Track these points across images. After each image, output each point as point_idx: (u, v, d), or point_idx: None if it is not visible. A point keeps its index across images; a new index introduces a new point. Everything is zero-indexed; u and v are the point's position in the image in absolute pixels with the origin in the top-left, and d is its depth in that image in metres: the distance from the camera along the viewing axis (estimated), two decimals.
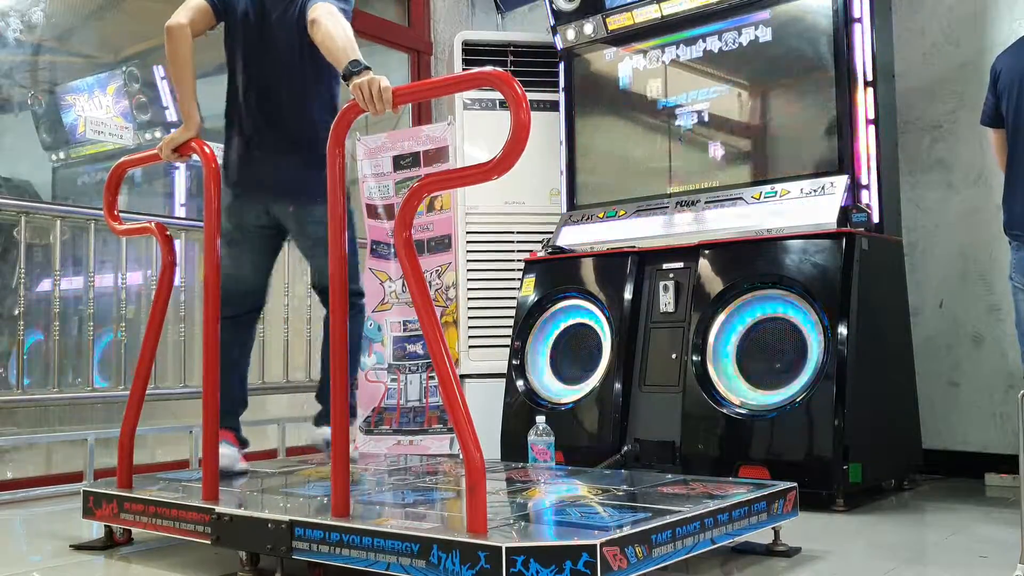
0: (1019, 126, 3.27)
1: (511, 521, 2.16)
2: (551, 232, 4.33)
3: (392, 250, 4.50)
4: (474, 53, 4.72)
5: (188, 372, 4.32)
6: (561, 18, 4.43)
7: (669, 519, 2.08)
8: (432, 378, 4.48)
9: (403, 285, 4.48)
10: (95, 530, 2.90)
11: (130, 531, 2.74)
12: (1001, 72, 3.35)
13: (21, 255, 3.87)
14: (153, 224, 3.01)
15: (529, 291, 4.14)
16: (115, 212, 2.97)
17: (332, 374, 2.23)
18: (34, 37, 4.99)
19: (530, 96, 2.05)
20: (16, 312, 3.81)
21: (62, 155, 5.33)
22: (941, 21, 4.11)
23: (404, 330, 4.59)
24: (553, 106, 4.52)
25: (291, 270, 4.68)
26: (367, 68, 2.41)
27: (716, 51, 3.98)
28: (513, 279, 4.45)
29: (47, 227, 3.97)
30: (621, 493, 2.55)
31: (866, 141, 3.53)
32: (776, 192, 3.67)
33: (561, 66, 4.50)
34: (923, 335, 3.98)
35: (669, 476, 2.84)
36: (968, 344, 3.98)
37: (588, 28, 4.36)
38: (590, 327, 3.98)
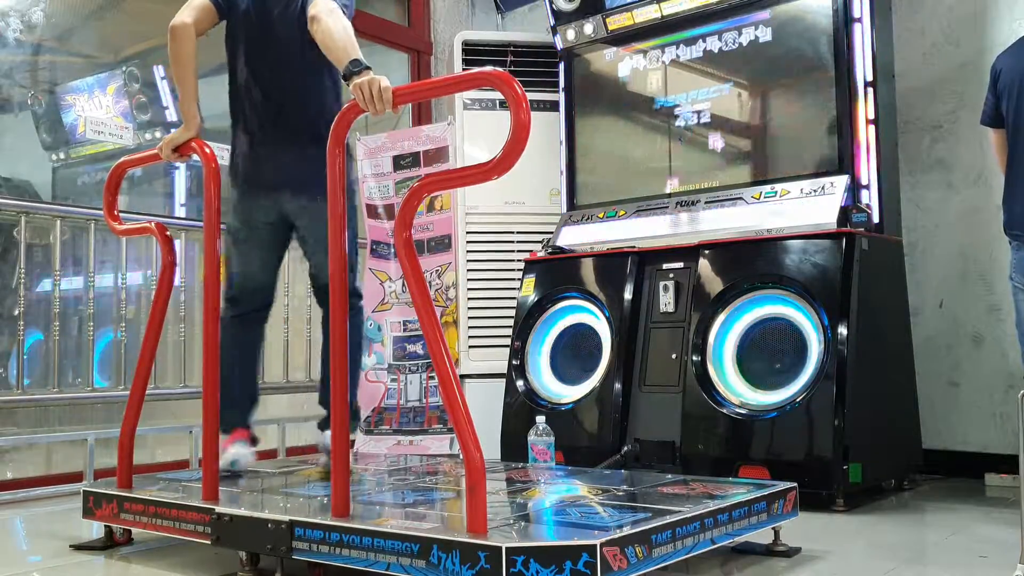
0: (1019, 126, 3.27)
1: (511, 521, 2.16)
2: (551, 232, 4.33)
3: (392, 250, 4.50)
4: (474, 53, 4.72)
5: (188, 372, 4.32)
6: (561, 18, 4.43)
7: (669, 519, 2.08)
8: (432, 378, 4.48)
9: (403, 285, 4.48)
10: (95, 530, 2.90)
11: (130, 531, 2.74)
12: (1001, 72, 3.35)
13: (21, 255, 3.87)
14: (153, 224, 3.02)
15: (529, 291, 4.14)
16: (115, 212, 2.98)
17: (332, 374, 2.23)
18: (34, 37, 4.99)
19: (530, 96, 2.05)
20: (16, 312, 3.81)
21: (62, 155, 5.33)
22: (941, 21, 4.11)
23: (404, 330, 4.60)
24: (553, 106, 4.52)
25: (291, 270, 4.68)
26: (367, 68, 2.40)
27: (716, 51, 3.98)
28: (513, 279, 4.45)
29: (47, 227, 3.98)
30: (621, 493, 2.55)
31: (866, 141, 3.52)
32: (776, 192, 3.67)
33: (561, 66, 4.50)
34: (923, 335, 3.98)
35: (669, 476, 2.84)
36: (968, 344, 3.98)
37: (588, 28, 4.36)
38: (590, 327, 3.98)
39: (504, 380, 4.10)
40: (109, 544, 2.72)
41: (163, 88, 5.19)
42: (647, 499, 2.40)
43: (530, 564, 1.81)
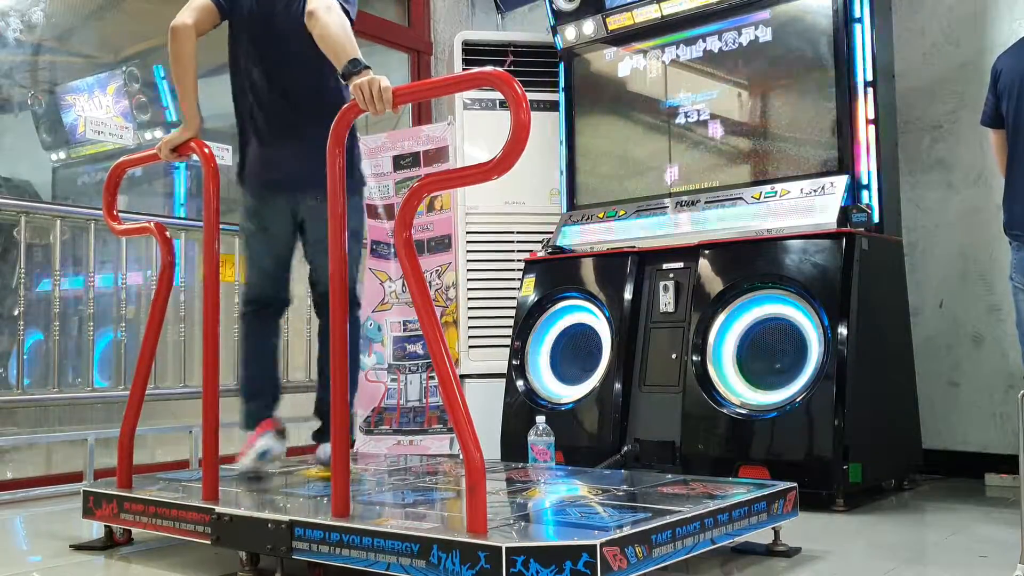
0: (1019, 126, 3.27)
1: (511, 521, 2.16)
2: (551, 232, 4.33)
3: (392, 250, 4.50)
4: (474, 53, 4.72)
5: (188, 372, 4.32)
6: (561, 18, 4.43)
7: (669, 519, 2.08)
8: (432, 378, 4.48)
9: (403, 285, 4.48)
10: (95, 530, 2.90)
11: (130, 531, 2.74)
12: (1001, 72, 3.35)
13: (21, 255, 3.87)
14: (152, 224, 3.02)
15: (529, 291, 4.14)
16: (114, 212, 2.98)
17: (332, 374, 2.23)
18: (34, 37, 4.99)
19: (530, 96, 2.05)
20: (16, 312, 3.81)
21: (62, 155, 5.33)
22: (941, 21, 4.11)
23: (404, 330, 4.60)
24: (553, 106, 4.52)
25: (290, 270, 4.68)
26: (367, 67, 2.40)
27: (716, 51, 3.98)
28: (513, 279, 4.45)
29: (47, 227, 3.98)
30: (621, 493, 2.55)
31: (866, 141, 3.52)
32: (776, 192, 3.67)
33: (561, 66, 4.50)
34: (923, 335, 3.98)
35: (669, 476, 2.84)
36: (968, 344, 3.98)
37: (588, 28, 4.36)
38: (590, 327, 3.98)
39: (504, 380, 4.10)
40: (109, 544, 2.72)
41: (163, 88, 5.19)
42: (647, 499, 2.40)
43: (530, 564, 1.81)
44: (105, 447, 3.79)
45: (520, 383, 4.03)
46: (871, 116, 3.54)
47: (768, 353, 3.46)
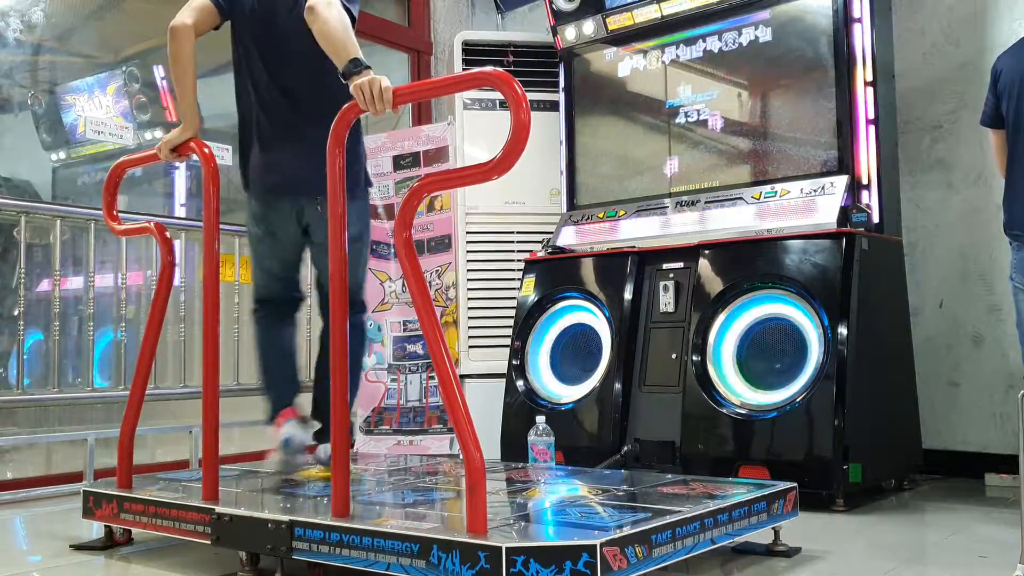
0: (1019, 126, 3.27)
1: (511, 521, 2.16)
2: (551, 232, 4.33)
3: (392, 250, 4.50)
4: (474, 53, 4.72)
5: (188, 372, 4.32)
6: (561, 18, 4.43)
7: (669, 519, 2.08)
8: (432, 378, 4.48)
9: (403, 285, 4.48)
10: (95, 530, 2.90)
11: (130, 531, 2.74)
12: (1001, 72, 3.35)
13: (21, 255, 3.87)
14: (152, 224, 3.01)
15: (529, 291, 4.14)
16: (114, 212, 2.97)
17: (332, 374, 2.23)
18: (34, 37, 4.99)
19: (530, 96, 2.05)
20: (16, 312, 3.81)
21: (62, 155, 5.33)
22: (941, 21, 4.11)
23: (404, 330, 4.60)
24: (553, 106, 4.52)
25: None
26: (367, 67, 2.39)
27: (716, 51, 3.98)
28: (513, 279, 4.45)
29: (47, 227, 3.98)
30: (621, 493, 2.55)
31: (866, 141, 3.53)
32: (776, 192, 3.67)
33: (561, 66, 4.50)
34: (923, 335, 3.98)
35: (669, 476, 2.84)
36: (968, 344, 3.98)
37: (588, 28, 4.36)
38: (590, 327, 3.98)
39: (504, 380, 4.10)
40: (109, 544, 2.72)
41: (163, 88, 5.20)
42: (647, 499, 2.40)
43: (530, 564, 1.81)
44: (105, 447, 3.79)
45: (520, 383, 4.03)
46: (871, 116, 3.54)
47: (768, 353, 3.46)
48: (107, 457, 3.61)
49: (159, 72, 5.20)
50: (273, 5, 2.87)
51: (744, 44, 3.89)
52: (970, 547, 2.66)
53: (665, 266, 3.80)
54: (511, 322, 4.21)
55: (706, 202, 3.87)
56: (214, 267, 2.66)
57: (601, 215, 4.20)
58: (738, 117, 3.94)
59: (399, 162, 4.70)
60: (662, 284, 3.77)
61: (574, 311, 4.05)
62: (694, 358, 3.53)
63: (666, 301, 3.74)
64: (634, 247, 3.94)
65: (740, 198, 3.76)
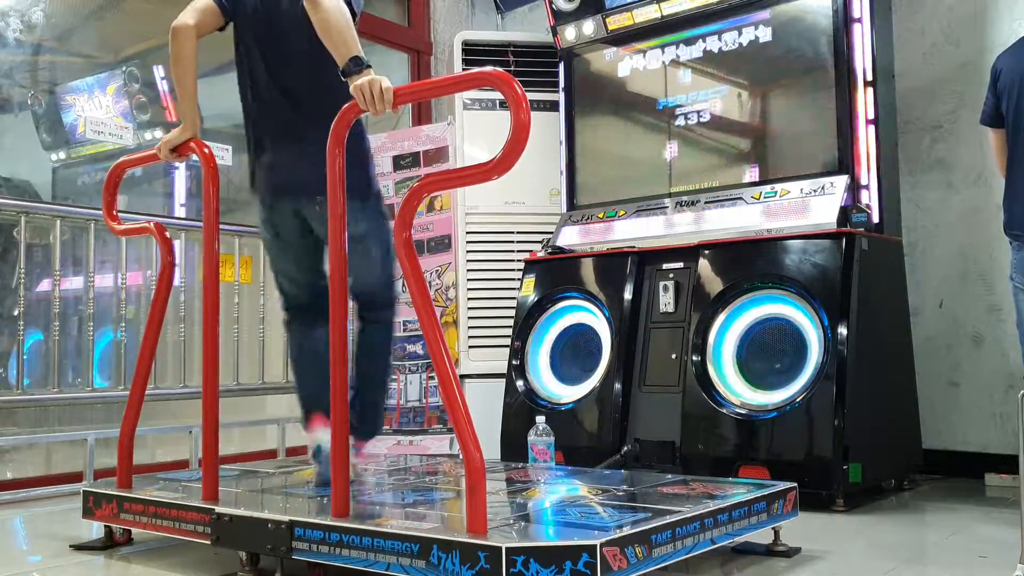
0: (1019, 126, 3.27)
1: (511, 521, 2.16)
2: (551, 232, 4.33)
3: None
4: (474, 53, 4.72)
5: (188, 372, 4.32)
6: (561, 18, 4.43)
7: (669, 519, 2.08)
8: (432, 378, 4.48)
9: (403, 285, 4.48)
10: (95, 530, 2.89)
11: (130, 531, 2.74)
12: (1001, 72, 3.35)
13: (21, 255, 3.87)
14: (152, 224, 3.01)
15: (529, 291, 4.14)
16: (114, 212, 2.97)
17: (332, 374, 2.23)
18: (34, 37, 4.99)
19: (530, 96, 2.05)
20: (16, 312, 3.81)
21: (62, 155, 5.33)
22: (941, 21, 4.11)
23: (404, 330, 4.60)
24: (553, 106, 4.52)
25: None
26: (368, 66, 2.38)
27: (716, 51, 3.98)
28: (513, 279, 4.45)
29: (47, 227, 3.98)
30: (621, 493, 2.55)
31: (866, 141, 3.53)
32: (776, 192, 3.67)
33: (561, 66, 4.50)
34: (923, 335, 3.98)
35: (669, 476, 2.84)
36: (968, 344, 3.98)
37: (588, 28, 4.36)
38: (590, 327, 3.98)
39: (504, 380, 4.10)
40: (109, 544, 2.72)
41: (163, 88, 5.20)
42: (647, 499, 2.40)
43: (530, 564, 1.81)
44: (105, 447, 3.79)
45: (520, 383, 4.03)
46: (871, 116, 3.54)
47: (768, 353, 3.46)
48: (107, 457, 3.61)
49: (159, 72, 5.20)
50: (275, 5, 2.85)
51: (744, 44, 3.89)
52: (970, 547, 2.66)
53: (665, 266, 3.80)
54: (511, 322, 4.21)
55: (706, 202, 3.87)
56: (214, 267, 2.66)
57: (601, 215, 4.20)
58: (738, 117, 3.94)
59: (399, 162, 4.70)
60: (662, 284, 3.77)
61: (574, 311, 4.05)
62: (694, 358, 3.53)
63: (666, 301, 3.74)
64: (634, 247, 3.94)
65: (740, 198, 3.76)
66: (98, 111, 5.11)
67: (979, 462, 3.84)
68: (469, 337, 4.54)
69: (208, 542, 2.35)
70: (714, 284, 3.59)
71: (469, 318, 4.55)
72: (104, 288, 4.30)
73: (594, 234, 4.18)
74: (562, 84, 4.49)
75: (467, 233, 4.58)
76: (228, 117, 5.34)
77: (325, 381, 2.93)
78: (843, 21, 3.57)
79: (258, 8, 2.85)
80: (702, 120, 4.02)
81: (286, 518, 2.17)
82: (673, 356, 3.63)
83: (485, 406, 3.91)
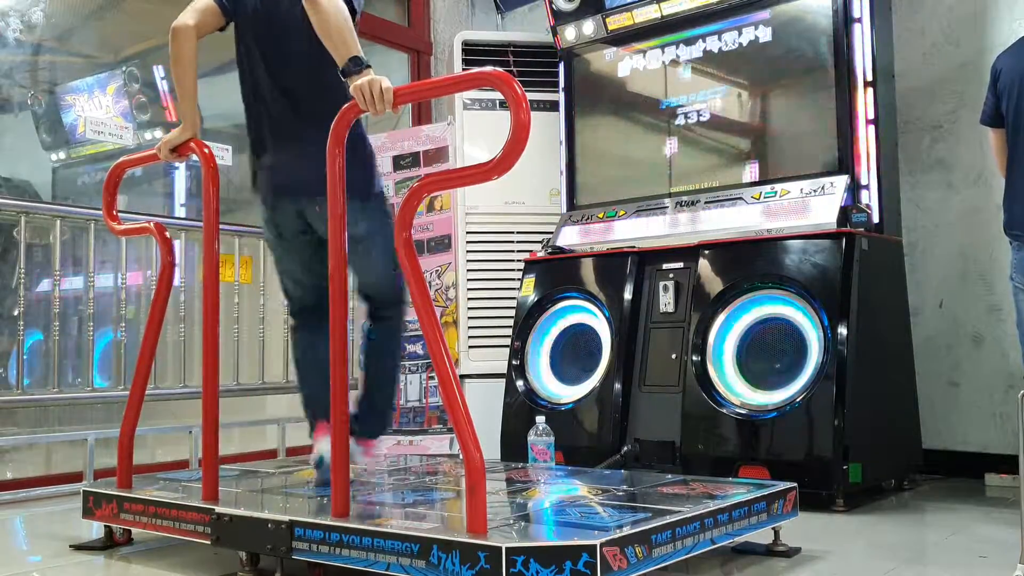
0: (1019, 126, 3.27)
1: (511, 521, 2.16)
2: (551, 232, 4.33)
3: None
4: (474, 53, 4.72)
5: (188, 372, 4.32)
6: (561, 18, 4.43)
7: (669, 519, 2.08)
8: (432, 378, 4.48)
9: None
10: (95, 530, 2.89)
11: (130, 531, 2.74)
12: (1001, 72, 3.35)
13: (21, 255, 3.86)
14: (152, 224, 3.01)
15: (529, 291, 4.14)
16: (114, 212, 2.97)
17: (332, 373, 2.23)
18: (34, 37, 4.99)
19: (530, 96, 2.05)
20: (16, 312, 3.81)
21: (62, 155, 5.34)
22: (941, 21, 4.11)
23: (404, 330, 4.59)
24: (553, 106, 4.52)
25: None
26: (368, 66, 2.38)
27: (716, 51, 3.98)
28: (513, 279, 4.45)
29: (47, 227, 3.97)
30: (621, 493, 2.55)
31: (866, 141, 3.53)
32: (776, 192, 3.67)
33: (561, 66, 4.50)
34: (923, 335, 3.98)
35: (669, 476, 2.84)
36: (968, 344, 3.98)
37: (588, 28, 4.36)
38: (590, 327, 3.98)
39: (504, 380, 4.10)
40: (109, 544, 2.72)
41: (163, 88, 5.20)
42: (647, 499, 2.40)
43: (530, 564, 1.81)
44: (105, 447, 3.79)
45: (520, 383, 4.03)
46: (871, 116, 3.54)
47: (768, 353, 3.46)
48: (107, 457, 3.61)
49: (159, 72, 5.20)
50: (275, 5, 2.85)
51: (744, 44, 3.89)
52: (970, 547, 2.66)
53: (665, 266, 3.80)
54: (511, 322, 4.21)
55: (706, 202, 3.87)
56: (214, 267, 2.66)
57: (601, 215, 4.20)
58: (738, 117, 3.94)
59: (399, 162, 4.70)
60: (662, 284, 3.77)
61: (574, 311, 4.05)
62: (694, 358, 3.53)
63: (666, 301, 3.74)
64: (634, 247, 3.94)
65: (740, 198, 3.76)
66: (98, 111, 5.11)
67: (979, 462, 3.84)
68: (469, 337, 4.54)
69: (208, 542, 2.35)
70: (714, 284, 3.59)
71: (469, 318, 4.55)
72: (104, 288, 4.30)
73: (594, 234, 4.17)
74: (562, 84, 4.49)
75: (467, 233, 4.58)
76: (228, 117, 5.35)
77: (327, 388, 2.93)
78: (843, 21, 3.57)
79: (258, 8, 2.85)
80: (702, 120, 4.02)
81: (286, 518, 2.17)
82: (673, 356, 3.63)
83: (485, 406, 3.91)
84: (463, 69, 4.64)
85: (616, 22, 4.26)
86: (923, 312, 4.06)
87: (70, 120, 5.19)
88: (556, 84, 4.53)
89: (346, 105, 2.31)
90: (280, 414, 4.74)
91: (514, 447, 3.86)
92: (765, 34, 3.83)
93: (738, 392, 3.44)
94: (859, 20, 3.57)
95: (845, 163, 3.54)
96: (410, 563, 1.95)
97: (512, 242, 4.61)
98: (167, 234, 2.92)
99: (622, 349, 3.76)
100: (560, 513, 2.31)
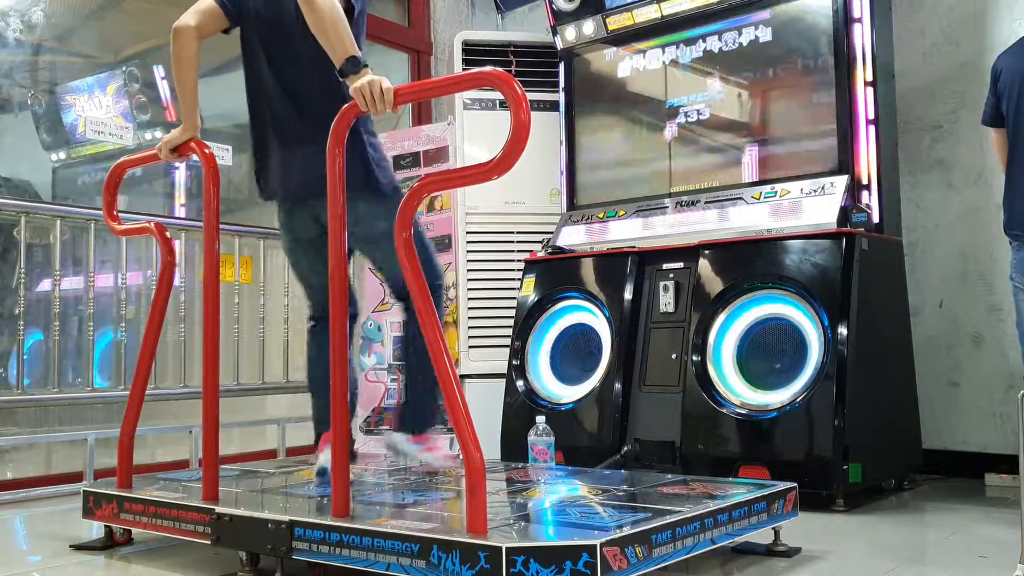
0: (1019, 126, 3.27)
1: (511, 521, 2.16)
2: (551, 232, 4.33)
3: None
4: (474, 53, 4.71)
5: (188, 372, 4.32)
6: (561, 18, 4.43)
7: (669, 519, 2.08)
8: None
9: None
10: (95, 530, 2.90)
11: (130, 531, 2.74)
12: (1001, 72, 3.35)
13: (21, 255, 3.87)
14: (152, 224, 3.01)
15: (529, 291, 4.14)
16: (114, 212, 2.97)
17: (332, 373, 2.23)
18: (34, 37, 4.99)
19: (530, 96, 2.05)
20: (16, 312, 3.81)
21: (62, 155, 5.34)
22: (941, 21, 4.11)
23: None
24: (553, 106, 4.52)
25: (291, 271, 4.68)
26: (365, 66, 2.38)
27: (716, 51, 3.98)
28: (513, 279, 4.45)
29: (47, 227, 3.98)
30: (621, 493, 2.55)
31: (866, 141, 3.53)
32: (776, 192, 3.67)
33: (561, 66, 4.50)
34: (923, 335, 3.98)
35: (669, 476, 2.84)
36: (968, 344, 3.98)
37: (588, 28, 4.36)
38: (590, 327, 3.98)
39: (504, 380, 4.10)
40: (109, 544, 2.72)
41: (163, 88, 5.20)
42: (647, 499, 2.40)
43: (530, 564, 1.81)
44: (105, 447, 3.79)
45: (520, 383, 4.03)
46: (871, 116, 3.54)
47: (768, 353, 3.46)
48: (107, 457, 3.61)
49: (159, 72, 5.20)
50: (278, 7, 2.84)
51: (744, 44, 3.89)
52: (970, 547, 2.66)
53: (665, 266, 3.80)
54: (511, 322, 4.21)
55: (706, 202, 3.87)
56: (214, 267, 2.66)
57: (601, 215, 4.20)
58: (738, 117, 3.94)
59: (399, 162, 4.70)
60: (662, 284, 3.77)
61: (574, 311, 4.05)
62: (694, 358, 3.53)
63: (666, 301, 3.74)
64: (634, 247, 3.94)
65: (740, 198, 3.76)
66: (98, 111, 5.11)
67: (979, 462, 3.84)
68: (469, 337, 4.54)
69: (208, 542, 2.35)
70: (714, 284, 3.59)
71: (469, 318, 4.55)
72: (104, 288, 4.30)
73: (594, 234, 4.17)
74: (562, 84, 4.49)
75: (467, 233, 4.58)
76: (228, 117, 5.35)
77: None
78: (843, 21, 3.57)
79: (262, 10, 2.84)
80: (702, 120, 4.02)
81: (286, 518, 2.17)
82: (673, 356, 3.63)
83: (485, 406, 3.91)
84: (463, 69, 4.64)
85: (616, 22, 4.26)
86: (923, 312, 4.06)
87: (70, 120, 5.20)
88: (556, 84, 4.53)
89: (346, 106, 2.31)
90: (280, 414, 4.74)
91: (514, 447, 3.86)
92: (765, 34, 3.83)
93: (738, 392, 3.44)
94: (859, 20, 3.57)
95: (845, 163, 3.54)
96: (410, 563, 1.95)
97: (512, 242, 4.61)
98: (167, 234, 2.92)
99: (622, 349, 3.76)
100: (560, 513, 2.31)
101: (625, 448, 3.62)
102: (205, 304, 2.65)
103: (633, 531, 1.95)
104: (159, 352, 3.08)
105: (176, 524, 2.45)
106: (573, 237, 4.23)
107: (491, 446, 3.85)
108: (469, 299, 4.56)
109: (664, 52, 4.16)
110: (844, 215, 3.42)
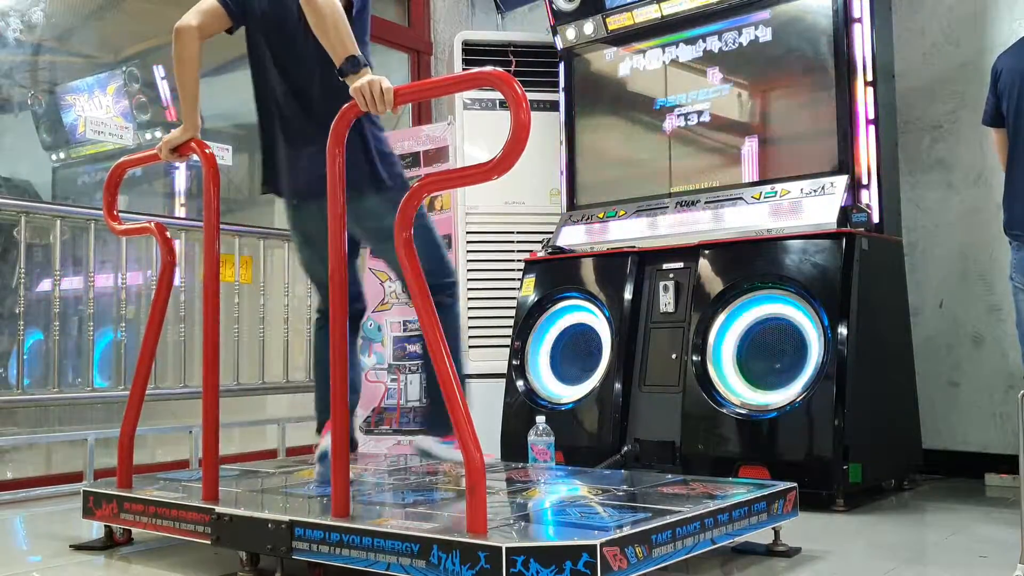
0: (1019, 126, 3.28)
1: (511, 521, 2.16)
2: (551, 232, 4.33)
3: None
4: (474, 53, 4.72)
5: (188, 372, 4.32)
6: (561, 18, 4.43)
7: (669, 519, 2.08)
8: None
9: (403, 285, 4.48)
10: (95, 530, 2.89)
11: (130, 531, 2.74)
12: (1002, 72, 3.35)
13: (21, 255, 3.87)
14: (152, 224, 3.01)
15: (529, 291, 4.14)
16: (114, 212, 2.97)
17: (332, 373, 2.23)
18: (34, 37, 5.00)
19: (530, 96, 2.04)
20: (16, 312, 3.81)
21: (62, 155, 5.34)
22: (941, 21, 4.11)
23: (404, 330, 4.60)
24: (553, 106, 4.52)
25: (291, 270, 4.68)
26: (365, 66, 2.38)
27: (716, 51, 3.98)
28: (513, 279, 4.45)
29: (47, 227, 3.98)
30: (621, 493, 2.55)
31: (866, 141, 3.53)
32: (776, 192, 3.67)
33: (561, 66, 4.50)
34: (923, 335, 3.98)
35: (669, 476, 2.84)
36: (968, 344, 3.98)
37: (588, 28, 4.36)
38: (590, 327, 3.98)
39: (504, 380, 4.10)
40: (109, 544, 2.72)
41: (163, 88, 5.20)
42: (647, 499, 2.40)
43: (530, 564, 1.81)
44: (105, 447, 3.79)
45: (520, 383, 4.03)
46: (871, 116, 3.54)
47: (768, 353, 3.46)
48: (107, 457, 3.61)
49: (159, 72, 5.20)
50: (282, 6, 2.84)
51: (744, 44, 3.89)
52: (970, 547, 2.66)
53: (665, 266, 3.80)
54: (511, 322, 4.21)
55: (706, 202, 3.87)
56: (214, 267, 2.66)
57: (601, 215, 4.20)
58: (738, 117, 3.94)
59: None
60: (662, 284, 3.77)
61: (574, 311, 4.05)
62: (694, 358, 3.53)
63: (666, 301, 3.74)
64: (634, 247, 3.94)
65: (740, 198, 3.76)
66: (98, 111, 5.11)
67: (979, 462, 3.84)
68: (469, 337, 4.54)
69: (208, 542, 2.35)
70: (714, 284, 3.59)
71: (469, 318, 4.55)
72: (104, 288, 4.30)
73: (594, 234, 4.17)
74: (562, 84, 4.49)
75: (467, 233, 4.58)
76: (228, 117, 5.36)
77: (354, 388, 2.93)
78: (843, 21, 3.57)
79: (266, 10, 2.84)
80: (702, 120, 4.02)
81: (286, 518, 2.17)
82: (673, 356, 3.63)
83: (485, 406, 3.91)
84: (463, 69, 4.64)
85: (616, 22, 4.26)
86: (923, 312, 4.06)
87: (70, 120, 5.20)
88: (556, 84, 4.53)
89: (345, 106, 2.31)
90: (280, 414, 4.74)
91: (514, 447, 3.86)
92: (765, 34, 3.83)
93: (738, 392, 3.44)
94: (859, 20, 3.57)
95: (845, 163, 3.54)
96: (410, 563, 1.95)
97: (512, 242, 4.61)
98: (167, 234, 2.92)
99: (622, 349, 3.76)
100: (560, 513, 2.31)
101: (625, 448, 3.62)
102: (205, 304, 2.66)
103: (633, 531, 1.95)
104: (159, 352, 3.08)
105: (176, 524, 2.45)
106: (573, 237, 4.23)
107: (491, 446, 3.85)
108: (469, 299, 4.56)
109: (664, 52, 4.16)
110: (844, 215, 3.42)
